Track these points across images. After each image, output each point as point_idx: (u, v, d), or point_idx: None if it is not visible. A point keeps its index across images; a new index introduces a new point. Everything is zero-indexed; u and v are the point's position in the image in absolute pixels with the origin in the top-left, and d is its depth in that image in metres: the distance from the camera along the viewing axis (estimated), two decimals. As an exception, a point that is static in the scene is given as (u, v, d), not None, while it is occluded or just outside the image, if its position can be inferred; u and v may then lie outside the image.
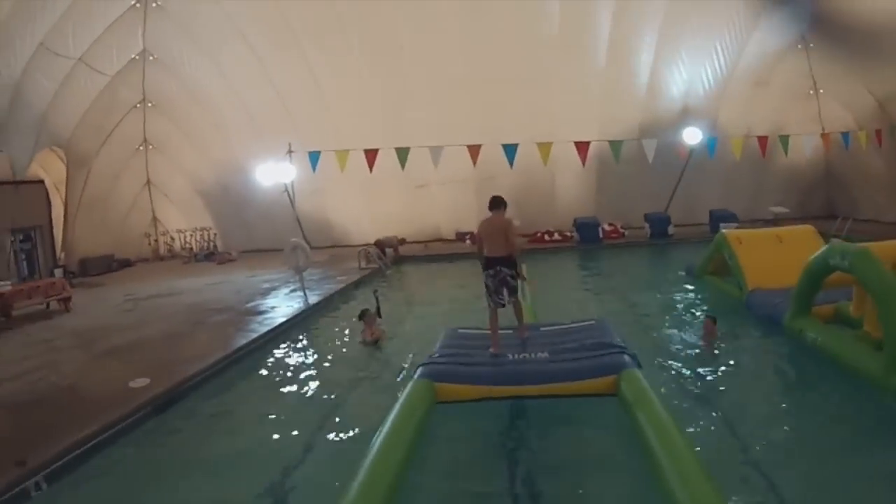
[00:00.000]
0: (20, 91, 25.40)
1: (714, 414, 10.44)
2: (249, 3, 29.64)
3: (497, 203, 11.68)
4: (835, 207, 35.08)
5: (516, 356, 11.00)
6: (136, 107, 33.25)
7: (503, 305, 11.59)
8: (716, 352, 13.72)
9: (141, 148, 35.26)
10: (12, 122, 25.60)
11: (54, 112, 28.00)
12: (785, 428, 9.99)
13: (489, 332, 11.74)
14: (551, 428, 10.13)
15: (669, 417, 8.45)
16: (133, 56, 30.75)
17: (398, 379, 12.65)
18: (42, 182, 29.96)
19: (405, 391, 9.94)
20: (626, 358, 10.49)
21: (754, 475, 8.17)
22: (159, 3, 29.04)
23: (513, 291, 11.53)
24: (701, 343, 13.98)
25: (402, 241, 31.67)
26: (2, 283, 21.44)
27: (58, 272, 26.99)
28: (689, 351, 14.01)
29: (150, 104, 33.42)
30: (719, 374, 12.51)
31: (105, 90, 30.31)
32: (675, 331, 15.83)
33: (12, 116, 25.45)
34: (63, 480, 9.27)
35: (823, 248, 12.91)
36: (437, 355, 11.44)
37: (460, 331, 13.13)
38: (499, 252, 11.38)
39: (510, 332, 12.03)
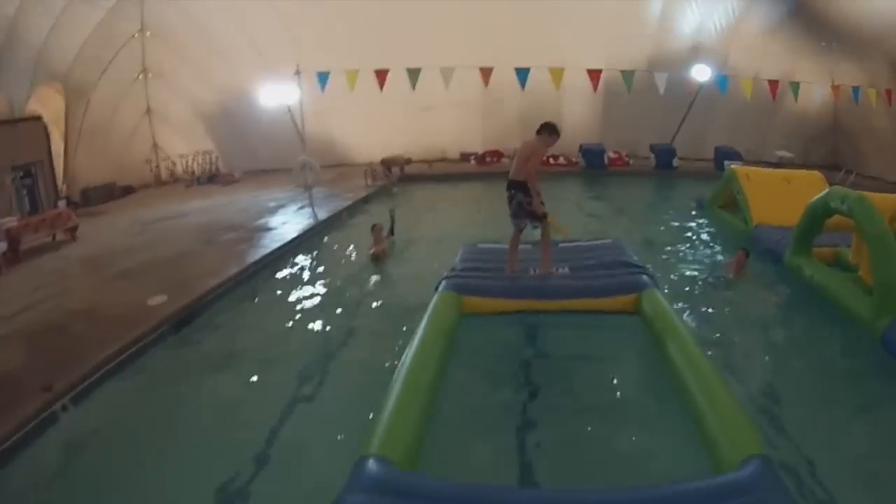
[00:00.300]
0: (15, 28, 24.77)
1: (715, 335, 10.96)
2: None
3: (542, 128, 11.19)
4: (840, 159, 34.62)
5: (538, 271, 11.12)
6: (134, 37, 32.41)
7: (519, 229, 11.41)
8: (716, 280, 14.26)
9: (140, 77, 34.48)
10: (9, 60, 25.10)
11: (51, 47, 27.29)
12: (775, 354, 10.54)
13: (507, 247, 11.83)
14: (571, 343, 10.38)
15: (691, 335, 8.80)
16: (131, -15, 30.16)
17: (406, 291, 13.06)
18: (40, 118, 29.34)
19: (432, 303, 9.97)
20: (646, 278, 10.79)
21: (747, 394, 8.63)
22: (156, -72, 28.52)
23: (533, 218, 11.11)
24: (729, 274, 14.23)
25: (409, 161, 31.35)
26: (8, 218, 21.20)
27: (61, 204, 26.80)
28: (693, 276, 14.59)
29: (148, 33, 32.63)
30: (721, 299, 13.04)
31: (102, 21, 29.45)
32: (682, 257, 16.40)
33: (8, 54, 24.98)
34: (89, 400, 9.43)
35: (825, 191, 13.19)
36: (459, 269, 11.57)
37: (479, 246, 13.24)
38: (516, 176, 11.00)
39: (529, 247, 11.93)
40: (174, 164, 37.31)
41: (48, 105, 29.90)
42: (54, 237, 21.74)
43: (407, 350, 8.31)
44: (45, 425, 8.68)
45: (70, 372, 9.63)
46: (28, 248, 20.08)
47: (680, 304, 12.24)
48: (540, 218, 11.10)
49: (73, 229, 21.91)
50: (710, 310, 12.37)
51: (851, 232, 13.00)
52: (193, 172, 36.61)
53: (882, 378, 9.51)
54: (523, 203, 10.94)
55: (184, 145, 37.04)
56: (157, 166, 36.88)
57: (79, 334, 11.56)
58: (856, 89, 30.34)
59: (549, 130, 11.10)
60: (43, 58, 27.00)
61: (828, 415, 8.43)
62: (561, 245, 12.62)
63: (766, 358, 10.31)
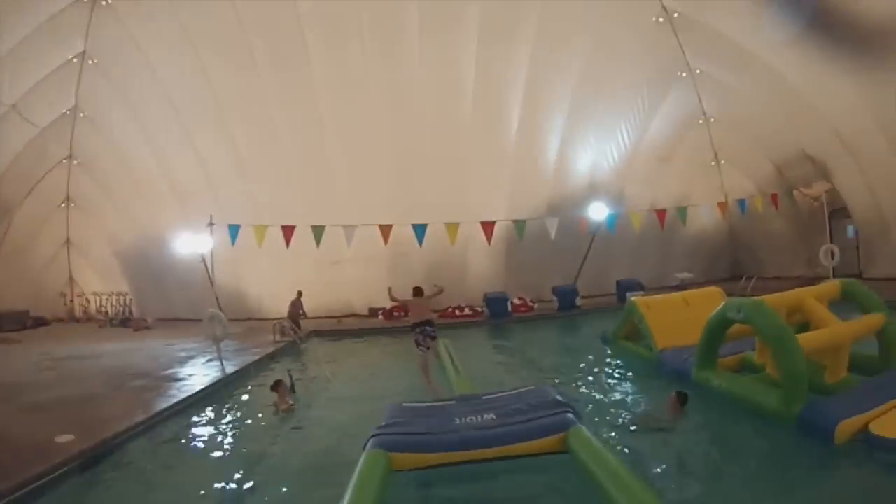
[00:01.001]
0: (-51, 133, 25.29)
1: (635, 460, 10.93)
2: (181, 71, 30.26)
3: (419, 292, 17.65)
4: (741, 269, 37.62)
5: (465, 420, 11.31)
6: (62, 162, 33.14)
7: (427, 349, 16.65)
8: (630, 404, 14.95)
9: (63, 205, 34.95)
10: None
11: (-19, 158, 27.81)
12: (702, 464, 10.93)
13: (433, 403, 13.17)
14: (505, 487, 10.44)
15: (622, 466, 8.87)
16: (64, 111, 30.88)
17: (312, 447, 13.01)
18: (-40, 229, 29.43)
19: (360, 462, 9.89)
20: (571, 416, 10.90)
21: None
22: (96, 61, 29.39)
23: (432, 339, 16.79)
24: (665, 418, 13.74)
25: (300, 294, 30.94)
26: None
27: (-28, 325, 26.66)
28: (609, 410, 14.55)
29: (76, 161, 33.35)
30: (636, 423, 13.22)
31: (34, 141, 30.24)
32: (592, 395, 16.26)
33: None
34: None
35: (722, 304, 14.08)
36: (384, 425, 11.59)
37: (405, 405, 13.31)
38: (425, 317, 16.80)
39: (453, 402, 12.88)
40: (88, 301, 37.26)
41: (-30, 218, 30.02)
42: (-39, 359, 21.42)
43: None
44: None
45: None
46: (-67, 367, 19.32)
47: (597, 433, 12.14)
48: (434, 340, 16.93)
49: (-17, 354, 21.68)
50: (627, 431, 12.75)
51: (754, 336, 13.87)
52: (107, 313, 36.52)
53: (802, 458, 10.54)
54: (430, 333, 16.63)
55: (99, 283, 37.19)
56: (72, 301, 36.78)
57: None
58: (741, 201, 33.06)
59: (419, 293, 17.66)
60: (-28, 167, 27.12)
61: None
62: (485, 397, 13.02)
63: (690, 461, 10.91)
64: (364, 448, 10.56)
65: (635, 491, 8.00)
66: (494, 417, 11.28)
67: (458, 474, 10.67)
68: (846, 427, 10.32)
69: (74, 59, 28.93)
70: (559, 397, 12.21)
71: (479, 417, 11.37)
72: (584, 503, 9.21)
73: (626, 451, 11.65)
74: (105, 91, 30.67)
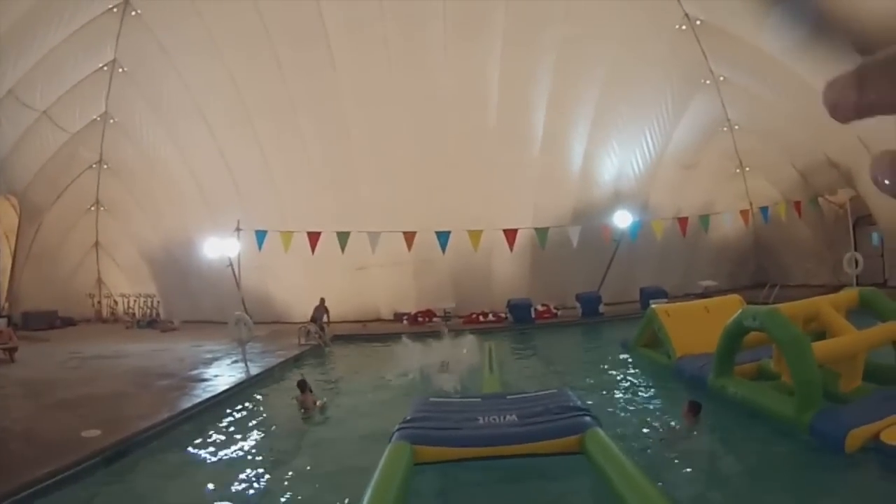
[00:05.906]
0: (-19, 134, 25.78)
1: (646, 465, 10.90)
2: (209, 78, 30.61)
3: None
4: (766, 276, 36.70)
5: (487, 419, 11.58)
6: (92, 167, 33.64)
7: None
8: (646, 411, 15.20)
9: (93, 208, 35.47)
10: (-29, 164, 25.94)
11: (13, 160, 28.42)
12: (711, 472, 11.35)
13: (458, 399, 13.80)
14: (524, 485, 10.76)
15: (636, 468, 9.02)
16: (95, 117, 31.40)
17: (333, 448, 13.37)
18: (-7, 229, 29.89)
19: (384, 454, 10.13)
20: (589, 419, 11.13)
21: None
22: (125, 69, 29.91)
23: None
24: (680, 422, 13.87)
25: (323, 300, 30.61)
26: (-52, 327, 21.37)
27: (1, 322, 26.99)
28: (624, 413, 15.04)
29: (105, 166, 33.84)
30: (652, 430, 13.50)
31: (64, 146, 30.81)
32: (612, 401, 16.56)
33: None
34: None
35: (738, 312, 14.15)
36: (410, 419, 11.89)
37: (431, 399, 13.78)
38: None
39: (478, 400, 13.26)
40: (116, 302, 37.73)
41: (2, 218, 30.46)
42: (-8, 354, 21.59)
43: (360, 501, 8.47)
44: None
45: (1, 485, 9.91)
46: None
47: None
48: None
49: (13, 350, 22.13)
50: (642, 435, 13.10)
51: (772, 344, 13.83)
52: (134, 315, 36.86)
53: (812, 466, 10.75)
54: None
55: (127, 285, 37.59)
56: (100, 302, 37.24)
57: (14, 453, 11.86)
58: (764, 209, 32.95)
59: None
60: (4, 169, 28.03)
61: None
62: (509, 397, 13.46)
63: (706, 464, 11.44)
64: (390, 440, 10.86)
65: (649, 493, 8.16)
66: (515, 418, 11.57)
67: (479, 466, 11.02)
68: (857, 436, 10.40)
69: (105, 67, 29.45)
70: (578, 401, 12.49)
71: (502, 417, 11.66)
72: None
73: (637, 456, 11.60)
74: (135, 98, 31.17)
